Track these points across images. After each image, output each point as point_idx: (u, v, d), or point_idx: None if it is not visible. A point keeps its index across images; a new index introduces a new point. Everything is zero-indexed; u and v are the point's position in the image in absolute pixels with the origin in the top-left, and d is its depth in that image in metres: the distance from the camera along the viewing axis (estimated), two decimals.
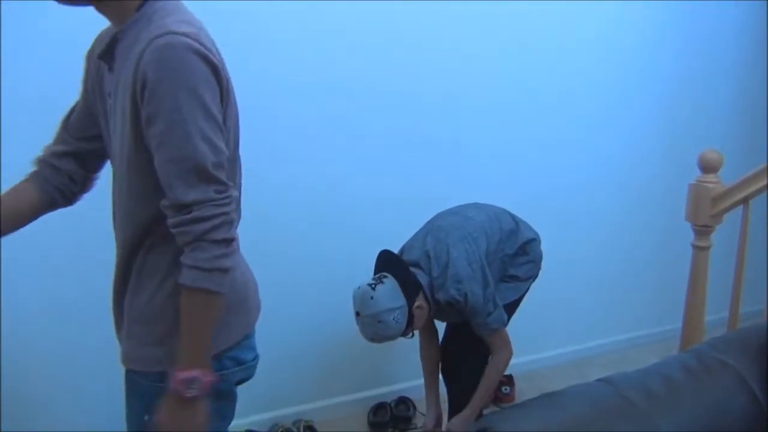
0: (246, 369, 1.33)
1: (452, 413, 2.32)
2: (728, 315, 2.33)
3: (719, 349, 1.49)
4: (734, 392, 1.39)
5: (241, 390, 2.59)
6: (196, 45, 1.09)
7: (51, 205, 1.38)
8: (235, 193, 1.16)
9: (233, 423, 2.55)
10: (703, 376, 1.41)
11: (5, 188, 1.36)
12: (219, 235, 1.11)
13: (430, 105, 2.77)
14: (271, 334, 2.63)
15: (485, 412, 2.47)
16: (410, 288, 2.04)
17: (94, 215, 2.26)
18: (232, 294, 1.23)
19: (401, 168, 2.78)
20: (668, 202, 3.34)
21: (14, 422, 2.21)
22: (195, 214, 1.09)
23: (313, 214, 2.64)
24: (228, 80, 1.19)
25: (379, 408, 2.78)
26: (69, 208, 1.45)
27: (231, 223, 1.14)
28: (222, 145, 1.14)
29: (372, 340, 2.05)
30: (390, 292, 2.00)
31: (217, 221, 1.10)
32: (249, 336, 1.32)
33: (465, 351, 2.30)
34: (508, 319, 2.26)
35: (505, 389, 2.90)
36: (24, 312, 2.20)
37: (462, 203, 2.37)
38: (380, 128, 2.70)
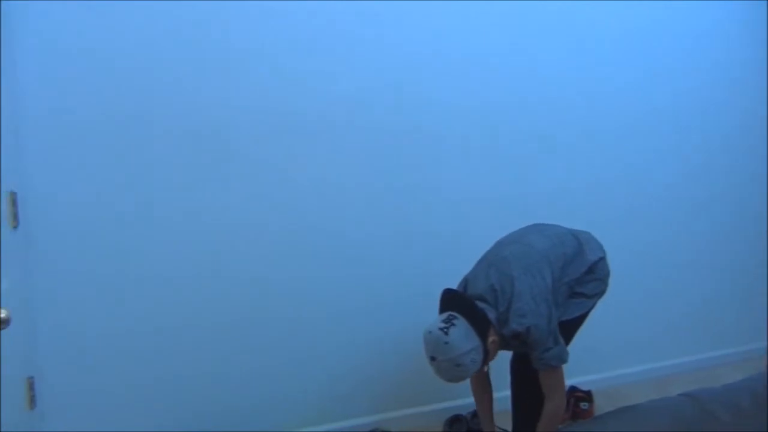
0: None
1: None
2: None
3: None
4: None
5: (321, 399, 2.68)
6: None
7: None
8: None
9: (312, 430, 2.65)
10: None
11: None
12: None
13: (499, 111, 2.83)
14: (350, 344, 2.71)
15: (560, 427, 2.44)
16: (482, 325, 2.00)
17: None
18: None
19: (478, 178, 2.82)
20: (755, 219, 3.22)
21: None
22: None
23: (393, 226, 2.71)
24: None
25: (454, 420, 2.79)
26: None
27: None
28: None
29: (450, 381, 2.02)
30: (463, 333, 1.96)
31: None
32: None
33: (530, 372, 2.21)
34: (572, 336, 2.22)
35: (584, 405, 2.85)
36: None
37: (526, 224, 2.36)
38: (458, 137, 2.77)
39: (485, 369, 2.09)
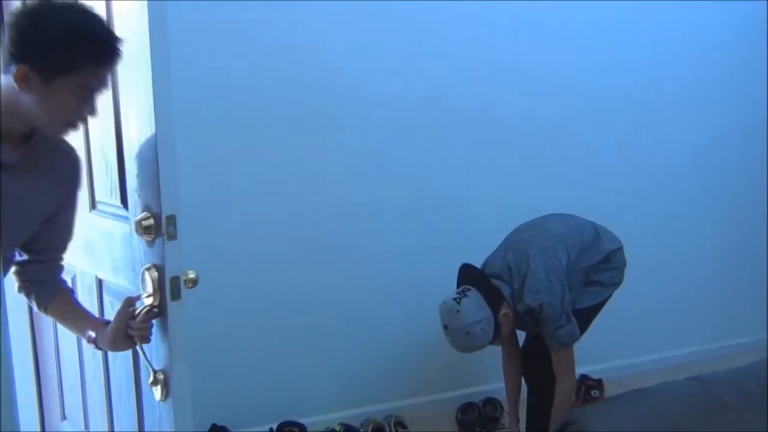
0: None
1: (529, 417, 2.35)
2: None
3: None
4: None
5: (335, 386, 2.72)
6: None
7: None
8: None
9: (327, 417, 2.69)
10: None
11: None
12: None
13: (517, 109, 2.86)
14: (365, 333, 2.76)
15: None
16: (494, 298, 2.09)
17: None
18: None
19: (499, 172, 2.89)
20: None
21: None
22: None
23: (411, 217, 2.76)
24: None
25: (467, 407, 2.83)
26: None
27: None
28: None
29: (462, 350, 2.13)
30: (475, 304, 2.06)
31: None
32: None
33: (545, 353, 2.27)
34: (588, 325, 2.26)
35: (595, 393, 2.88)
36: None
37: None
38: (475, 131, 2.82)
39: (497, 343, 2.17)
